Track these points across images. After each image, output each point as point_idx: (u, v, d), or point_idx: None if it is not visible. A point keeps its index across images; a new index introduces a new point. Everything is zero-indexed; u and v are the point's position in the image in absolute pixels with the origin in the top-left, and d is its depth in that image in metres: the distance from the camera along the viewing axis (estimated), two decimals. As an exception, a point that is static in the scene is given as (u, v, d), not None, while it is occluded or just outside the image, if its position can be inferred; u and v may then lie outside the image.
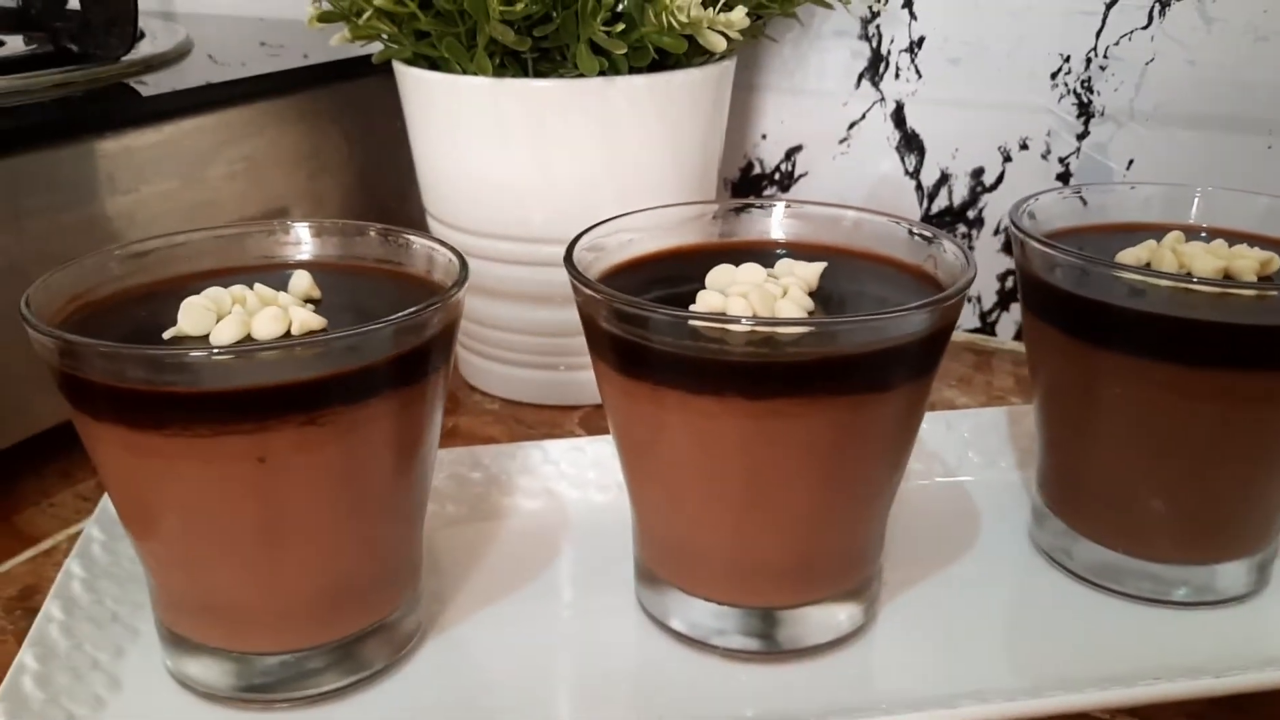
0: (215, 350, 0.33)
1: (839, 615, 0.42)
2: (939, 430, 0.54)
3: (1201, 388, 0.40)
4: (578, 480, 0.51)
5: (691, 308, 0.39)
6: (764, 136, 0.73)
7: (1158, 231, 0.46)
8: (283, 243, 0.44)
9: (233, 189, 0.59)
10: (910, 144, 0.69)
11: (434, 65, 0.57)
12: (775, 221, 0.46)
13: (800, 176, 0.73)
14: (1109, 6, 0.62)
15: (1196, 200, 0.48)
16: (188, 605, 0.39)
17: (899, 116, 0.69)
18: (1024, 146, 0.66)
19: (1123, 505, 0.44)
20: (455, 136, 0.57)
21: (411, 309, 0.36)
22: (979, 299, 0.70)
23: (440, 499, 0.50)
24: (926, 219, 0.69)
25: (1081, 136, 0.64)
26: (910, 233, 0.43)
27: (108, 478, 0.37)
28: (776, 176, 0.73)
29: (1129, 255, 0.44)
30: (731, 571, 0.40)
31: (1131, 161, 0.63)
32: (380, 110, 0.67)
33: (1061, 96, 0.64)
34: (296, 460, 0.35)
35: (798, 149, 0.72)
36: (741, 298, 0.38)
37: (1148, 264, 0.43)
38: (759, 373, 0.36)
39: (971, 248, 0.69)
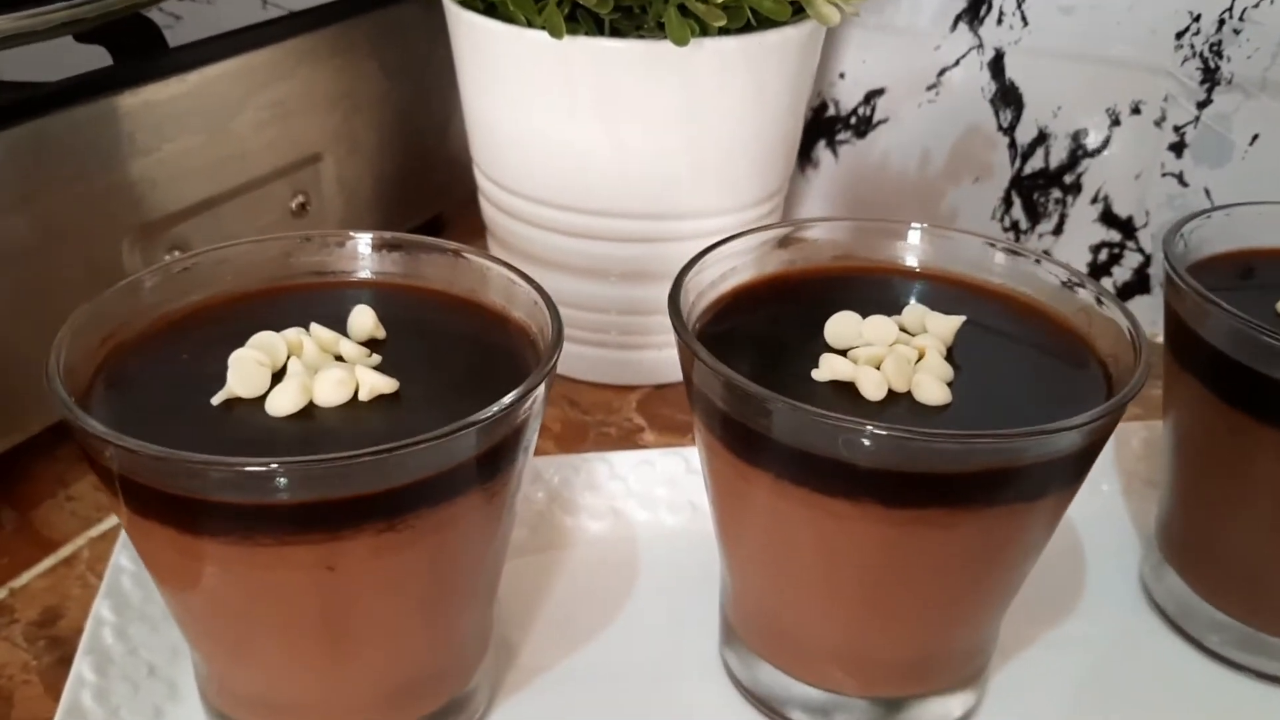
0: (281, 465, 0.27)
1: (951, 704, 0.38)
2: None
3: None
4: (647, 499, 0.47)
5: (814, 373, 0.34)
6: (842, 75, 0.66)
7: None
8: (339, 256, 0.38)
9: (261, 138, 0.53)
10: (1007, 97, 0.62)
11: (491, 7, 0.50)
12: (903, 247, 0.40)
13: (880, 122, 0.66)
14: (1253, -37, 0.55)
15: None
16: (240, 695, 0.34)
17: (997, 66, 0.62)
18: (1135, 110, 0.60)
19: (1263, 581, 0.40)
20: (514, 94, 0.51)
21: (516, 394, 0.30)
22: (1066, 269, 0.64)
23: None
24: (1018, 179, 0.63)
25: (1203, 105, 0.58)
26: (1061, 281, 0.37)
27: (151, 568, 0.33)
28: (853, 120, 0.67)
29: (1290, 302, 0.39)
30: (836, 661, 0.36)
31: (1256, 137, 0.57)
32: (420, 36, 0.60)
33: (1186, 59, 0.57)
34: (369, 566, 0.30)
35: (879, 92, 0.65)
36: (873, 367, 0.34)
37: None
38: (900, 480, 0.31)
39: (1065, 215, 0.63)
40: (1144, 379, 0.32)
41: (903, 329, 0.36)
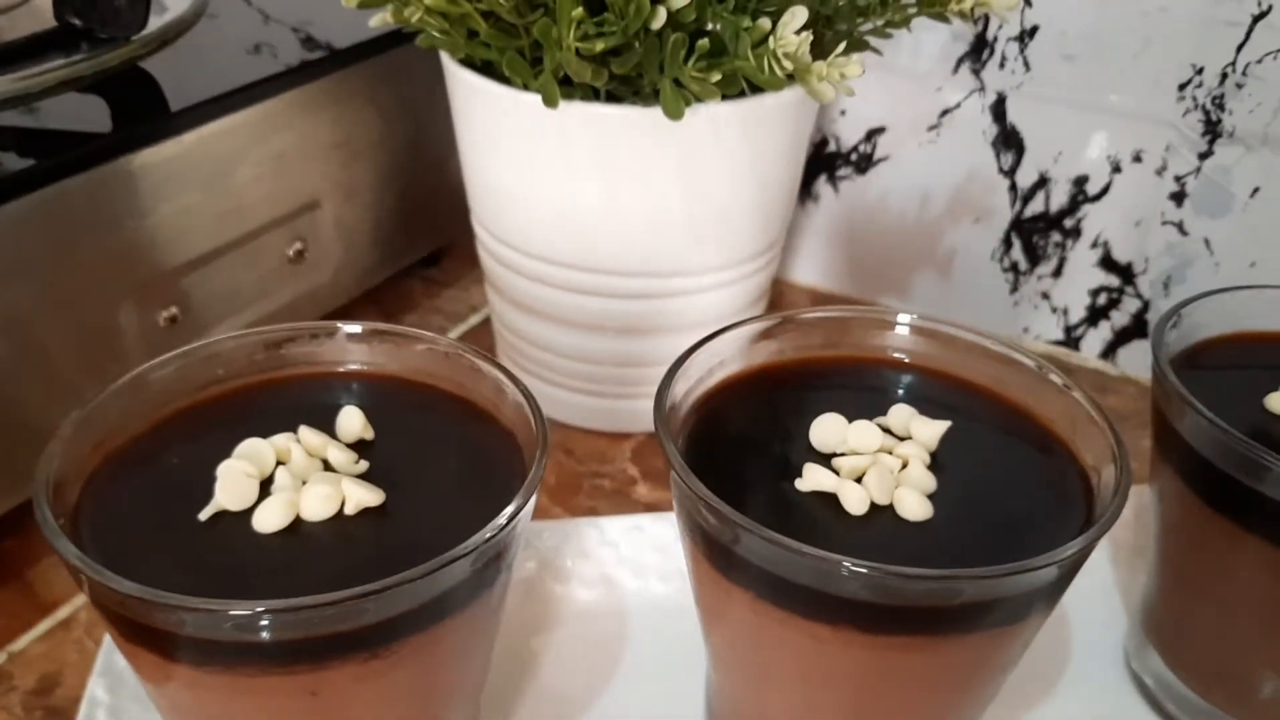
0: (261, 611, 0.28)
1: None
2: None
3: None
4: (638, 566, 0.47)
5: (798, 483, 0.34)
6: (843, 113, 0.66)
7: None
8: (329, 348, 0.38)
9: (259, 191, 0.53)
10: (1008, 141, 0.62)
11: (488, 66, 0.50)
12: (893, 338, 0.40)
13: (880, 160, 0.66)
14: (1256, 19, 0.54)
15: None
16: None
17: (999, 109, 0.61)
18: (1137, 159, 0.59)
19: (1242, 675, 0.40)
20: (511, 153, 0.51)
21: (499, 524, 0.30)
22: (1066, 311, 0.64)
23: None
24: (1018, 222, 0.63)
25: (1204, 156, 0.58)
26: (1053, 383, 0.37)
27: (138, 675, 0.33)
28: (853, 158, 0.66)
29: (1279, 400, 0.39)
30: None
31: (1257, 189, 0.57)
32: (419, 77, 0.60)
33: (1188, 110, 0.57)
34: (353, 690, 0.31)
35: (880, 130, 0.65)
36: (855, 481, 0.34)
37: (1303, 411, 0.38)
38: (878, 610, 0.31)
39: (1065, 258, 0.63)
40: (1120, 508, 0.32)
41: (888, 431, 0.36)
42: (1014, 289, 0.65)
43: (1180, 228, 0.59)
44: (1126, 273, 0.62)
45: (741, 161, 0.50)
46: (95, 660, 0.41)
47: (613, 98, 0.48)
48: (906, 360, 0.40)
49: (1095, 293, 0.63)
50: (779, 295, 0.70)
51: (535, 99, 0.47)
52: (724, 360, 0.39)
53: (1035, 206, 0.63)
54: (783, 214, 0.56)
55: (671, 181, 0.50)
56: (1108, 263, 0.62)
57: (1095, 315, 0.64)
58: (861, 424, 0.36)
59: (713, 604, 0.35)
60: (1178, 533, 0.40)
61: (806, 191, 0.69)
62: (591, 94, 0.48)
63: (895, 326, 0.40)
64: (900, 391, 0.39)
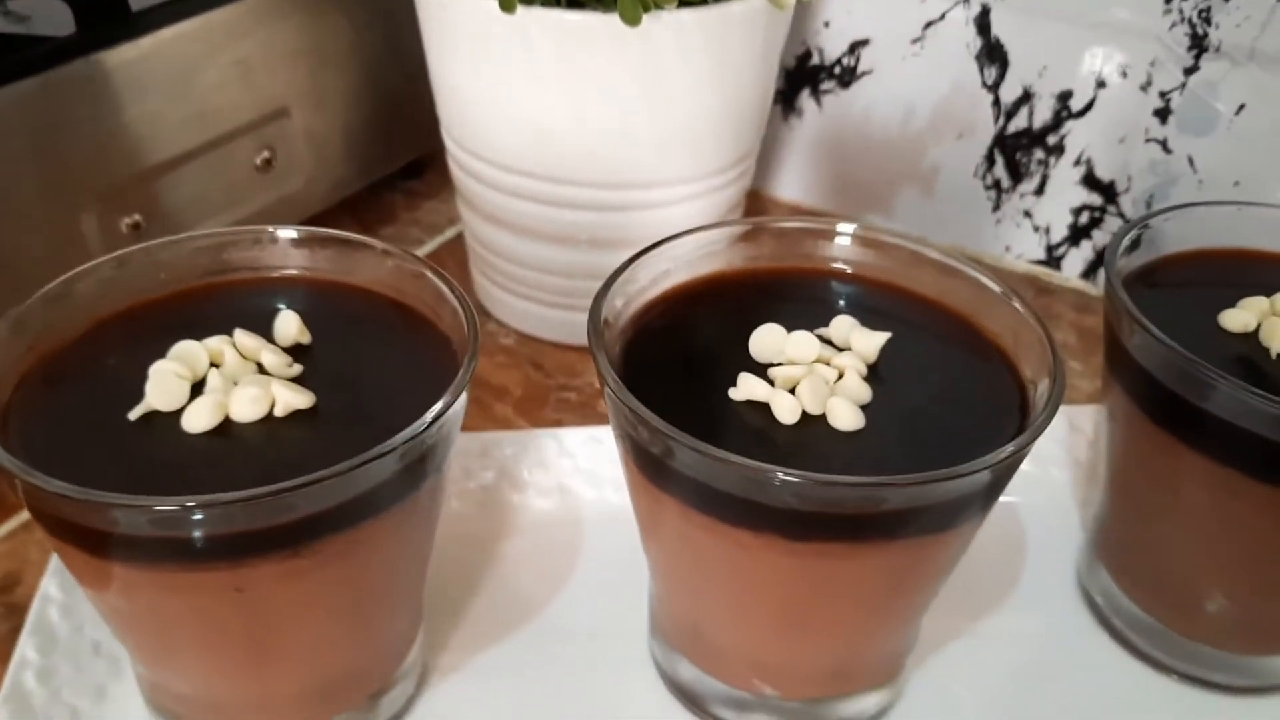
0: (179, 507, 0.28)
1: (868, 701, 0.39)
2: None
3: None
4: (594, 477, 0.47)
5: (732, 392, 0.34)
6: (826, 24, 0.65)
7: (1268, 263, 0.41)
8: (271, 252, 0.38)
9: (223, 97, 0.52)
10: (992, 54, 0.60)
11: (452, -29, 0.49)
12: (842, 248, 0.40)
13: (864, 74, 0.65)
14: (1247, -73, 0.52)
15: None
16: (170, 691, 0.36)
17: (983, 22, 0.60)
18: (1122, 74, 0.58)
19: (1185, 590, 0.40)
20: (475, 61, 0.50)
21: (420, 425, 0.31)
22: (1048, 229, 0.63)
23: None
24: (1001, 138, 0.62)
25: (1190, 71, 0.56)
26: (996, 293, 0.37)
27: (73, 575, 0.34)
28: (837, 71, 0.65)
29: (1234, 317, 0.38)
30: (752, 669, 0.37)
31: (1242, 107, 0.56)
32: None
33: (1174, 24, 0.56)
34: (278, 588, 0.31)
35: (864, 43, 0.64)
36: (788, 393, 0.34)
37: (1255, 330, 0.38)
38: (801, 517, 0.31)
39: (1047, 175, 0.62)
40: (1048, 420, 0.32)
41: (829, 342, 0.36)
42: (996, 207, 0.64)
43: (1164, 145, 0.58)
44: (1109, 191, 0.61)
45: (707, 71, 0.49)
46: (50, 563, 0.41)
47: (575, 4, 0.47)
48: (853, 271, 0.40)
49: (1077, 211, 0.62)
50: (761, 210, 0.70)
51: (494, 3, 0.46)
52: (668, 270, 0.39)
53: (1019, 122, 0.61)
54: (754, 126, 0.55)
55: (635, 91, 0.49)
56: (1090, 181, 0.61)
57: (1077, 234, 0.63)
58: (800, 334, 0.36)
59: (646, 513, 0.35)
60: (1126, 451, 0.40)
61: (790, 105, 0.68)
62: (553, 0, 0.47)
63: (842, 237, 0.40)
64: (843, 303, 0.39)
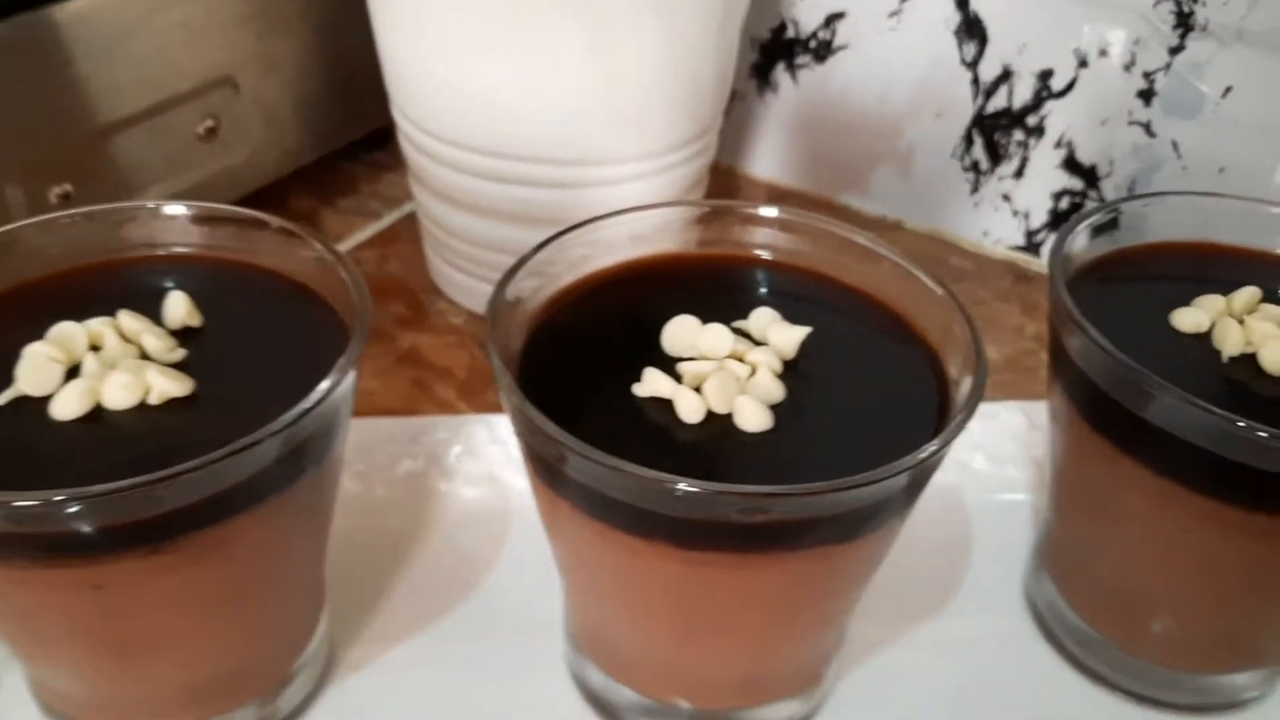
0: (26, 504, 0.26)
1: (784, 710, 0.37)
2: (944, 427, 0.48)
3: (1241, 526, 0.33)
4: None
5: (635, 388, 0.32)
6: (802, -5, 0.62)
7: (1242, 263, 0.38)
8: (167, 229, 0.37)
9: (162, 63, 0.51)
10: (971, 30, 0.58)
11: (395, -66, 0.47)
12: (771, 235, 0.38)
13: (840, 48, 0.62)
14: (1236, -101, 0.49)
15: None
16: (50, 688, 0.34)
17: (962, -4, 0.57)
18: (1104, 53, 0.55)
19: (1127, 603, 0.38)
20: (421, 33, 0.48)
21: (296, 412, 0.29)
22: (1027, 214, 0.61)
23: (369, 480, 0.45)
24: (980, 118, 0.60)
25: (1175, 51, 0.53)
26: (925, 284, 0.35)
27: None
28: (812, 44, 0.63)
29: (1186, 317, 0.36)
30: (658, 678, 0.36)
31: (1229, 89, 0.53)
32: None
33: (1158, 1, 0.53)
34: (140, 585, 0.30)
35: (840, 15, 0.61)
36: (694, 391, 0.32)
37: (1208, 332, 0.36)
38: (694, 527, 0.29)
39: (1027, 158, 0.59)
40: (960, 427, 0.29)
41: (747, 335, 0.34)
42: (975, 189, 0.62)
43: (1148, 129, 0.56)
44: (1090, 175, 0.58)
45: (660, 43, 0.47)
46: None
47: (517, -30, 0.45)
48: (782, 260, 0.38)
49: (1058, 196, 0.60)
50: (735, 188, 0.67)
51: (434, -30, 0.44)
52: (588, 255, 0.37)
53: (998, 102, 0.59)
54: (714, 100, 0.52)
55: (582, 61, 0.47)
56: (1071, 164, 0.58)
57: (1058, 220, 0.60)
58: (714, 327, 0.33)
59: (544, 513, 0.34)
60: (1067, 456, 0.38)
61: (765, 80, 0.65)
62: (492, -35, 0.45)
63: (773, 223, 0.38)
64: (767, 293, 0.37)
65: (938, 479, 0.46)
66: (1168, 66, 0.54)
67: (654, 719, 0.37)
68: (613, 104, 0.48)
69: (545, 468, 0.31)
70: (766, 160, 0.68)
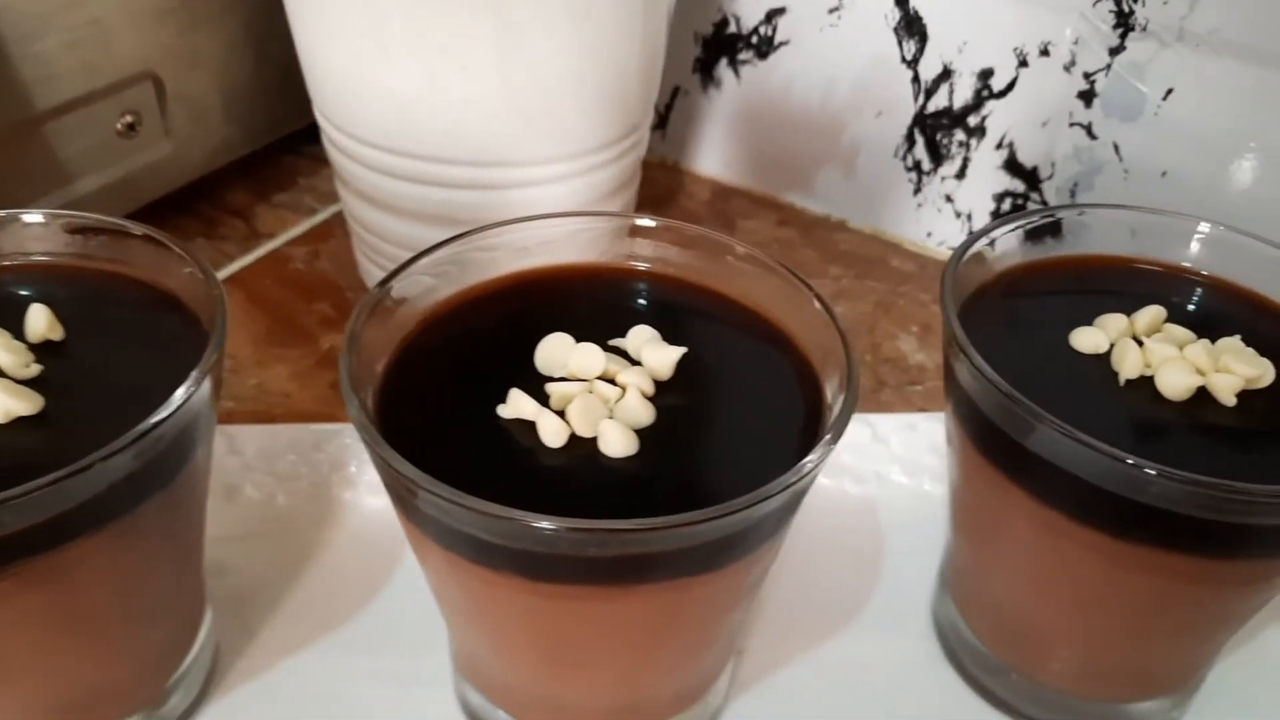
0: None
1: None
2: (861, 438, 0.47)
3: (1125, 558, 0.32)
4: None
5: (500, 410, 0.31)
6: (744, -10, 0.61)
7: (1146, 275, 0.37)
8: (32, 239, 0.35)
9: (73, 60, 0.50)
10: (911, 27, 0.57)
11: (305, -73, 0.46)
12: (655, 249, 0.37)
13: (781, 44, 0.61)
14: (1173, -103, 0.48)
15: (1198, 242, 0.38)
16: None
17: (902, -8, 0.56)
18: (1044, 53, 0.54)
19: (1020, 627, 0.37)
20: (332, 31, 0.47)
21: (134, 434, 0.28)
22: (969, 216, 0.60)
23: (270, 488, 0.44)
24: (921, 117, 0.58)
25: (1115, 51, 0.52)
26: (805, 296, 0.34)
27: None
28: (754, 40, 0.61)
29: (1084, 337, 0.35)
30: (534, 704, 0.35)
31: (1170, 91, 0.52)
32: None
33: (1098, 0, 0.51)
34: (-25, 611, 0.29)
35: (780, 11, 0.60)
36: (556, 414, 0.31)
37: (1108, 352, 0.35)
38: (540, 560, 0.28)
39: (969, 159, 0.58)
40: (825, 456, 0.28)
41: (624, 354, 0.33)
42: (917, 189, 0.60)
43: (1089, 130, 0.54)
44: (1032, 177, 0.57)
45: (573, 40, 0.46)
46: None
47: (423, -33, 0.44)
48: (667, 273, 0.36)
49: (1000, 197, 0.58)
50: (679, 186, 0.66)
51: (338, -33, 0.43)
52: (464, 269, 0.36)
53: (939, 101, 0.58)
54: (639, 99, 0.51)
55: (491, 62, 0.46)
56: (1013, 165, 0.57)
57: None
58: (586, 346, 0.32)
59: (406, 535, 0.33)
60: (960, 479, 0.37)
61: (708, 76, 0.64)
62: (396, -37, 0.44)
63: (661, 235, 0.36)
64: (649, 308, 0.36)
65: (853, 491, 0.46)
66: (1108, 67, 0.52)
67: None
68: (525, 104, 0.47)
69: (394, 488, 0.30)
70: (711, 157, 0.66)
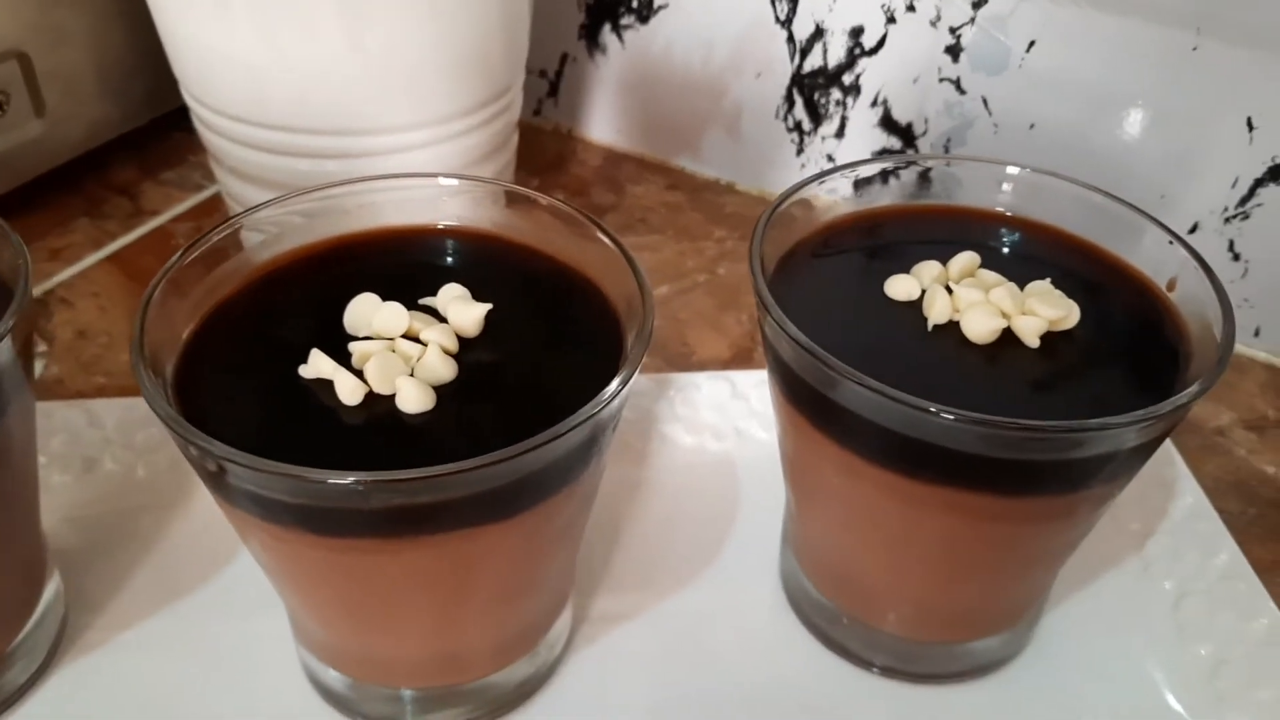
0: None
1: (516, 674, 0.37)
2: (721, 395, 0.47)
3: (925, 499, 0.32)
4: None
5: (302, 369, 0.31)
6: (622, -46, 0.61)
7: (963, 222, 0.38)
8: None
9: (-71, 38, 0.50)
10: (782, -14, 0.57)
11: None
12: (473, 207, 0.37)
13: (661, 7, 0.61)
14: None
15: (1011, 186, 0.39)
16: None
17: (771, -48, 0.56)
18: (910, 8, 0.54)
19: (853, 580, 0.38)
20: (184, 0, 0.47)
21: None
22: (853, 174, 0.60)
23: (128, 462, 0.44)
24: (798, 77, 0.58)
25: (978, 4, 0.52)
26: (605, 244, 0.34)
27: None
28: (634, 4, 0.61)
29: (897, 285, 0.35)
30: (361, 662, 0.35)
31: (1033, 43, 0.52)
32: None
33: (957, -46, 0.52)
34: None
35: (659, -27, 0.60)
36: (355, 373, 0.31)
37: (920, 299, 0.35)
38: (321, 514, 0.29)
39: (846, 117, 0.58)
40: (610, 402, 0.29)
41: (434, 312, 0.33)
42: (800, 150, 0.61)
43: (958, 85, 0.54)
44: (907, 134, 0.57)
45: (423, 5, 0.46)
46: None
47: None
48: (480, 230, 0.37)
49: (879, 155, 0.59)
50: (570, 154, 0.66)
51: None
52: (282, 232, 0.36)
53: (814, 61, 0.58)
54: (505, 63, 0.51)
55: (336, 28, 0.46)
56: (888, 123, 0.57)
57: (883, 177, 0.59)
58: (390, 305, 0.33)
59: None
60: (780, 431, 0.37)
61: (595, 42, 0.64)
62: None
63: (474, 194, 0.37)
64: (460, 265, 0.36)
65: (713, 447, 0.47)
66: (972, 20, 0.53)
67: (371, 703, 0.36)
68: (377, 70, 0.47)
69: (181, 450, 0.30)
70: (603, 124, 0.67)
